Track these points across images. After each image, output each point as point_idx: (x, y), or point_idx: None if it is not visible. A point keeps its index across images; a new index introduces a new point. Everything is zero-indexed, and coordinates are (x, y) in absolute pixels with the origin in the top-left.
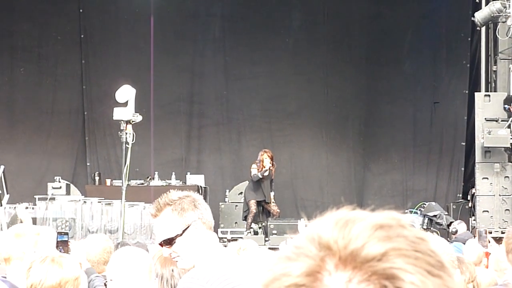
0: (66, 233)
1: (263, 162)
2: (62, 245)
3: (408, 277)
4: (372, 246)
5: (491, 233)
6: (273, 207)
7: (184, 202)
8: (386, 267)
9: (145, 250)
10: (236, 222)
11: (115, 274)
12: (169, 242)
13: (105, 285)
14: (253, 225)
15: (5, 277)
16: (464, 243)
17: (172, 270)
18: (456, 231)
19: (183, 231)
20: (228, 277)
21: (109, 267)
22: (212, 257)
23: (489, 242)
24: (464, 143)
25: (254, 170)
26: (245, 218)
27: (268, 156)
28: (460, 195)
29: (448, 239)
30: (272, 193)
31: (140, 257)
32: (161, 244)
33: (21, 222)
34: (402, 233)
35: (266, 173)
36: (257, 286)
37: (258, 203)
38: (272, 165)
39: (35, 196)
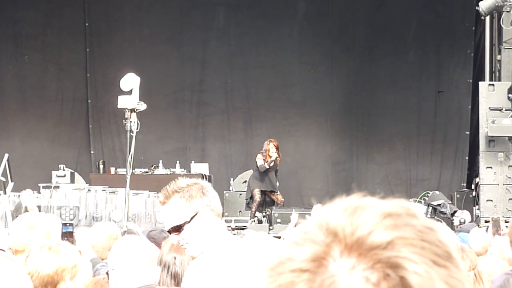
0: (71, 224)
1: (269, 151)
2: (67, 236)
3: (412, 267)
4: (379, 234)
5: (507, 221)
6: (278, 196)
7: (192, 189)
8: (391, 255)
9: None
10: (240, 211)
11: (117, 263)
12: (177, 229)
13: (107, 273)
14: (257, 213)
15: None
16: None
17: (174, 258)
18: (464, 221)
19: (191, 218)
20: (236, 265)
21: (111, 256)
22: (220, 245)
23: (502, 230)
24: (468, 132)
25: (260, 161)
26: (247, 206)
27: (274, 146)
28: (464, 184)
29: (452, 228)
30: (277, 183)
31: (141, 246)
32: (169, 231)
33: (27, 210)
34: (410, 222)
35: (273, 164)
36: (263, 270)
37: (262, 192)
38: (278, 155)
39: (39, 184)
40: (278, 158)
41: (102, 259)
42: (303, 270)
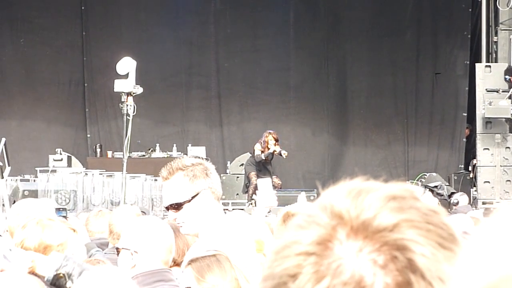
0: (64, 209)
1: (267, 144)
2: None
3: (419, 249)
4: (384, 216)
5: None
6: (275, 179)
7: (196, 169)
8: (398, 238)
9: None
10: (237, 194)
11: (141, 246)
12: (176, 206)
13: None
14: (254, 196)
15: None
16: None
17: None
18: (458, 203)
19: (192, 198)
20: (235, 250)
21: (129, 238)
22: (217, 227)
23: None
24: (465, 114)
25: (257, 151)
26: (245, 190)
27: (273, 138)
28: (462, 166)
29: (449, 210)
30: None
31: (163, 228)
32: (167, 208)
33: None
34: (415, 205)
35: (270, 157)
36: (269, 253)
37: (259, 176)
38: (276, 148)
39: (36, 168)
40: (275, 152)
41: None
42: (309, 253)
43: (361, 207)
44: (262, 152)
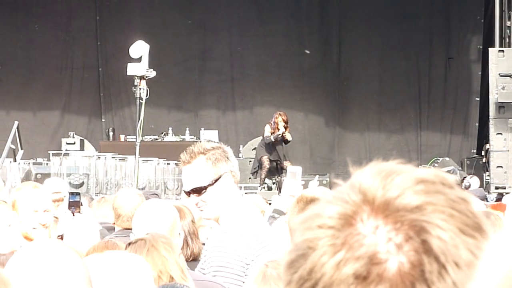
0: (78, 193)
1: (277, 125)
2: (74, 205)
3: (436, 231)
4: (408, 197)
5: None
6: (287, 164)
7: (217, 152)
8: (417, 219)
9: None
10: (250, 178)
11: (141, 228)
12: (198, 190)
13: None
14: (266, 180)
15: None
16: None
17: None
18: (469, 186)
19: (215, 181)
20: (263, 239)
21: (135, 221)
22: (237, 211)
23: None
24: (478, 99)
25: (267, 132)
26: (254, 174)
27: (283, 120)
28: (474, 151)
29: None
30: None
31: (166, 210)
32: (189, 192)
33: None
34: (443, 190)
35: (279, 138)
36: (293, 225)
37: (271, 160)
38: (286, 128)
39: (49, 152)
40: (284, 134)
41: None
42: (329, 227)
43: (388, 187)
44: (272, 133)
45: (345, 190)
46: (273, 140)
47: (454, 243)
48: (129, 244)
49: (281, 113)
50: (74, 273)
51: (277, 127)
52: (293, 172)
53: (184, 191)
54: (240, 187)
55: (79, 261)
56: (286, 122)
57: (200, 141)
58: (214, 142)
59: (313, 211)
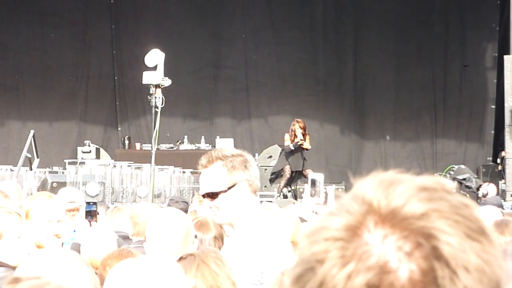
0: (95, 203)
1: (295, 132)
2: (91, 214)
3: (444, 237)
4: (413, 205)
5: None
6: (308, 171)
7: (236, 160)
8: (424, 226)
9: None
10: (265, 186)
11: (154, 237)
12: (211, 195)
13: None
14: (283, 189)
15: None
16: None
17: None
18: (487, 194)
19: (228, 188)
20: (279, 247)
21: (149, 230)
22: (253, 219)
23: None
24: (494, 106)
25: (287, 141)
26: (272, 180)
27: (300, 127)
28: (490, 158)
29: (478, 202)
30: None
31: (179, 218)
32: (204, 196)
33: (52, 186)
34: (446, 197)
35: (298, 145)
36: (300, 238)
37: (292, 171)
38: (304, 135)
39: (65, 160)
40: (302, 141)
41: None
42: (336, 239)
43: (391, 196)
44: (292, 141)
45: (347, 202)
46: (292, 148)
47: (462, 248)
48: (180, 259)
49: (298, 120)
50: (81, 282)
51: (295, 134)
52: (314, 179)
53: (201, 194)
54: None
55: (86, 270)
56: (304, 129)
57: (222, 147)
58: (237, 150)
59: (318, 224)
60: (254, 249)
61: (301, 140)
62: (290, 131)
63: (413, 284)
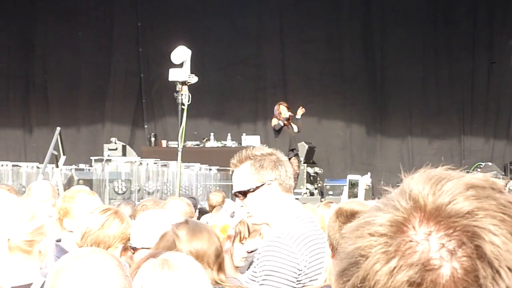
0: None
1: (281, 113)
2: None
3: (489, 237)
4: (459, 203)
5: None
6: (293, 162)
7: (265, 160)
8: (469, 224)
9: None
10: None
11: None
12: (241, 193)
13: None
14: (309, 186)
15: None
16: None
17: None
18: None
19: (256, 188)
20: (310, 234)
21: (154, 236)
22: (287, 218)
23: None
24: None
25: (274, 121)
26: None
27: (285, 106)
28: None
29: None
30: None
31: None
32: (235, 195)
33: (79, 183)
34: (493, 195)
35: (286, 120)
36: (344, 232)
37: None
38: (290, 114)
39: (91, 158)
40: (291, 116)
41: None
42: (381, 234)
43: (438, 193)
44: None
45: (394, 197)
46: (282, 124)
47: (507, 248)
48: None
49: (281, 102)
50: (112, 281)
51: (281, 116)
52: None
53: (234, 193)
54: None
55: (117, 270)
56: (288, 108)
57: (254, 147)
58: (268, 149)
59: (364, 219)
60: (292, 246)
61: (290, 115)
62: (276, 115)
63: (455, 282)
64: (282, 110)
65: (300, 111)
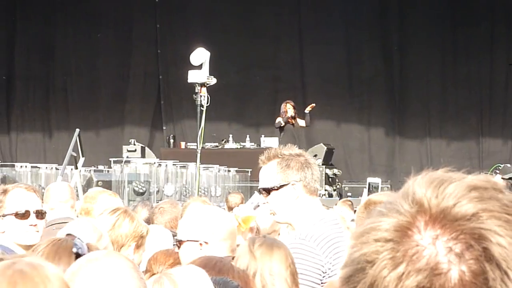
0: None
1: (286, 112)
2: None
3: (495, 238)
4: (463, 205)
5: None
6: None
7: (292, 160)
8: (475, 227)
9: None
10: None
11: (209, 237)
12: (265, 191)
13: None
14: (327, 187)
15: None
16: None
17: None
18: None
19: (280, 186)
20: (334, 236)
21: (201, 230)
22: (310, 220)
23: None
24: None
25: (278, 119)
26: None
27: (291, 106)
28: None
29: None
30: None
31: (228, 216)
32: (259, 191)
33: (97, 184)
34: (496, 196)
35: (287, 120)
36: (349, 239)
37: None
38: (295, 114)
39: (110, 159)
40: (293, 119)
41: None
42: (387, 240)
43: (441, 196)
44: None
45: (397, 201)
46: (283, 123)
47: None
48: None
49: (288, 101)
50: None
51: (286, 115)
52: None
53: (259, 189)
54: None
55: (133, 272)
56: (294, 108)
57: (283, 146)
58: (297, 149)
59: (368, 225)
60: (316, 248)
61: (291, 116)
62: (282, 113)
63: (464, 286)
64: (288, 109)
65: (309, 107)
